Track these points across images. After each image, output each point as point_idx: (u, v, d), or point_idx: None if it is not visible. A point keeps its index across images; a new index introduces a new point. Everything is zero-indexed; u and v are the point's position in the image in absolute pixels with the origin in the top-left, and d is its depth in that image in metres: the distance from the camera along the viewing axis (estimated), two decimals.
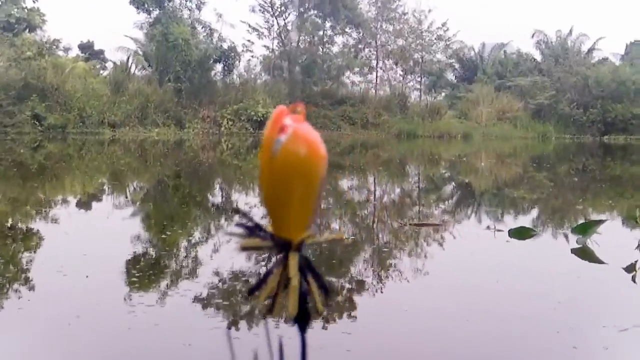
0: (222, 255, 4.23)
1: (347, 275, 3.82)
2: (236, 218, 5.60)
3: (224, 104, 26.66)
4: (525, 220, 5.92)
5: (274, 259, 0.67)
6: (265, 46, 32.94)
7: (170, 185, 9.17)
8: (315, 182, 0.63)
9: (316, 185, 0.63)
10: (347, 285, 3.60)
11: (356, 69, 33.76)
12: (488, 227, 5.44)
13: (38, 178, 9.27)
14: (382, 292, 3.50)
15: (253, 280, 3.60)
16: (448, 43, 35.20)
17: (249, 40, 31.94)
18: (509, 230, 5.13)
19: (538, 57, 37.44)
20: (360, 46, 34.06)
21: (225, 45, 28.96)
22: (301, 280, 0.66)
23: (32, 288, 3.37)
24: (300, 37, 31.90)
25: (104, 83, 26.38)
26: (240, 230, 0.68)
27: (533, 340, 2.69)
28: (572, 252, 4.59)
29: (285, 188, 0.63)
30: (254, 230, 0.67)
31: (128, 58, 28.66)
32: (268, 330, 0.67)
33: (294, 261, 0.65)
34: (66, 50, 30.18)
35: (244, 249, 0.66)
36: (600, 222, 5.02)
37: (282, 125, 0.62)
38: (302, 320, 0.64)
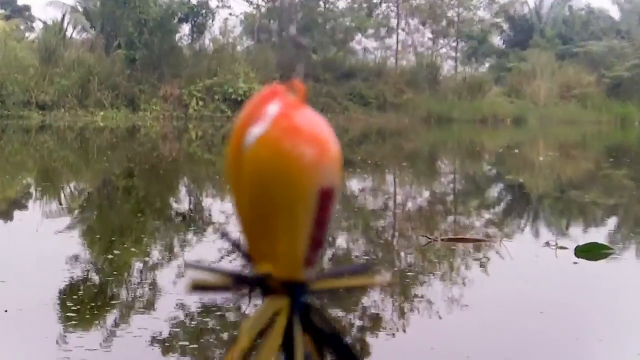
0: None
1: (358, 308, 3.81)
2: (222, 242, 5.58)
3: (193, 79, 26.67)
4: (597, 235, 5.91)
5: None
6: (247, 1, 33.02)
7: (120, 188, 9.16)
8: (310, 197, 0.58)
9: (311, 202, 0.59)
10: (358, 322, 3.59)
11: (370, 31, 33.79)
12: (548, 244, 5.43)
13: None
14: (404, 330, 3.49)
15: (230, 316, 3.60)
16: None
17: None
18: (576, 248, 5.12)
19: (615, 14, 37.46)
20: (375, 0, 34.11)
21: (194, 0, 29.01)
22: (301, 340, 0.61)
23: None
24: None
25: (30, 50, 26.41)
26: (203, 264, 0.64)
27: None
28: None
29: (260, 204, 0.59)
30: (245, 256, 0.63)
31: (63, 16, 28.69)
32: None
33: (272, 309, 0.61)
34: None
35: (196, 288, 0.60)
36: None
37: (261, 112, 0.58)
38: None
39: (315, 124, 0.60)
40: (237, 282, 0.60)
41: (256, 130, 0.58)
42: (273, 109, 0.59)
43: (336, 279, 0.64)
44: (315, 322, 0.61)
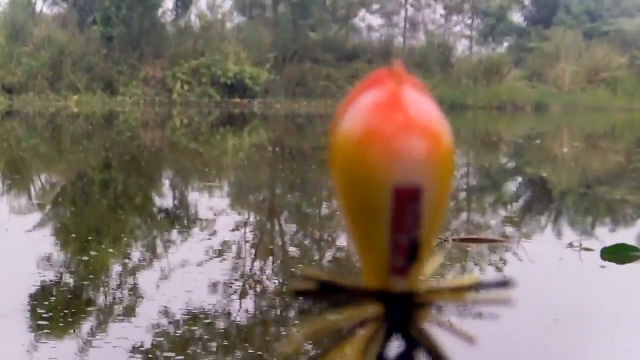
0: (175, 284, 4.25)
1: None
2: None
3: (177, 59, 26.65)
4: (627, 235, 5.93)
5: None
6: None
7: (96, 181, 9.18)
8: (376, 196, 0.56)
9: (378, 201, 0.56)
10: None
11: (375, 7, 33.76)
12: (571, 245, 5.45)
13: None
14: None
15: (219, 324, 3.62)
16: None
17: None
18: (603, 250, 5.14)
19: None
20: None
21: None
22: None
23: None
24: None
25: None
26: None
27: None
28: None
29: (340, 199, 0.57)
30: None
31: None
32: None
33: (353, 318, 0.59)
34: None
35: (297, 294, 0.59)
36: None
37: (356, 100, 0.57)
38: None
39: (422, 113, 0.56)
40: (327, 289, 0.58)
41: (346, 120, 0.56)
42: (368, 96, 0.56)
43: (452, 292, 0.61)
44: (417, 339, 0.59)
